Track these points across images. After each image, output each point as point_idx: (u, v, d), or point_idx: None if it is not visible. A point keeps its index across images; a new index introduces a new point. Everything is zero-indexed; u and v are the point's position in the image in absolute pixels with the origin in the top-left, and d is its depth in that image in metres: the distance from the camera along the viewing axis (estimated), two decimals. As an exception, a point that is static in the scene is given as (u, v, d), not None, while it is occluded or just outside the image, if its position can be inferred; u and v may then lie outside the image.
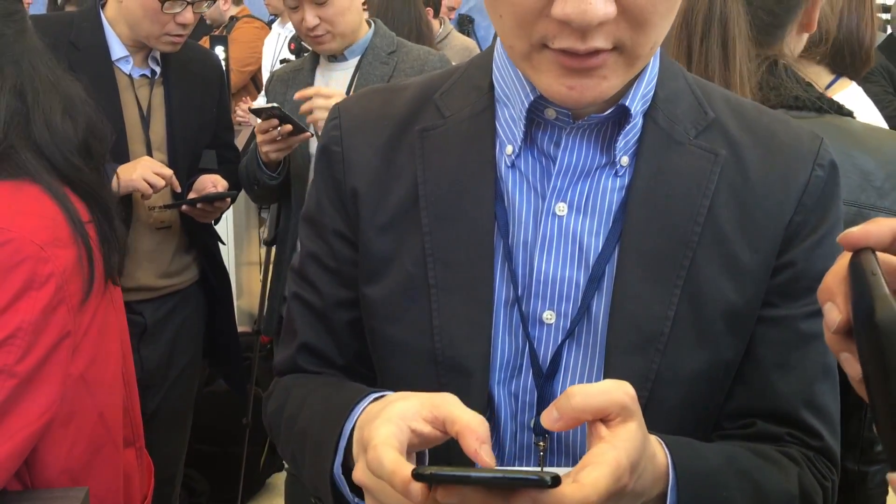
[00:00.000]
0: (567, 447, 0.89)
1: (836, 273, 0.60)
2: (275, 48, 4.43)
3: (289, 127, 2.04)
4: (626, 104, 0.85)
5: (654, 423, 0.85)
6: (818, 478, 0.89)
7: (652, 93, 0.88)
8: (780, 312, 0.89)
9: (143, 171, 1.99)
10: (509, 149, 0.89)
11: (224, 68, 4.37)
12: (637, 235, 0.86)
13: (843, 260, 0.60)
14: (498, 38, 0.91)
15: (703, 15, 1.27)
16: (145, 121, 2.17)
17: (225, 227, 3.49)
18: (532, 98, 0.86)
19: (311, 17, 2.14)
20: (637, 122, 0.87)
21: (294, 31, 3.52)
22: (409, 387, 0.89)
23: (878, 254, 0.58)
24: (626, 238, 0.86)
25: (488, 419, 0.89)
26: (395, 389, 0.92)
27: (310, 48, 2.81)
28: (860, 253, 0.58)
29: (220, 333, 2.46)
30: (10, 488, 1.21)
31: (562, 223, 0.88)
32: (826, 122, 1.30)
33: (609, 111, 0.85)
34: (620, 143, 0.87)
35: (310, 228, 0.99)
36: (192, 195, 2.21)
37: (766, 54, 1.32)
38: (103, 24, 2.11)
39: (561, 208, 0.88)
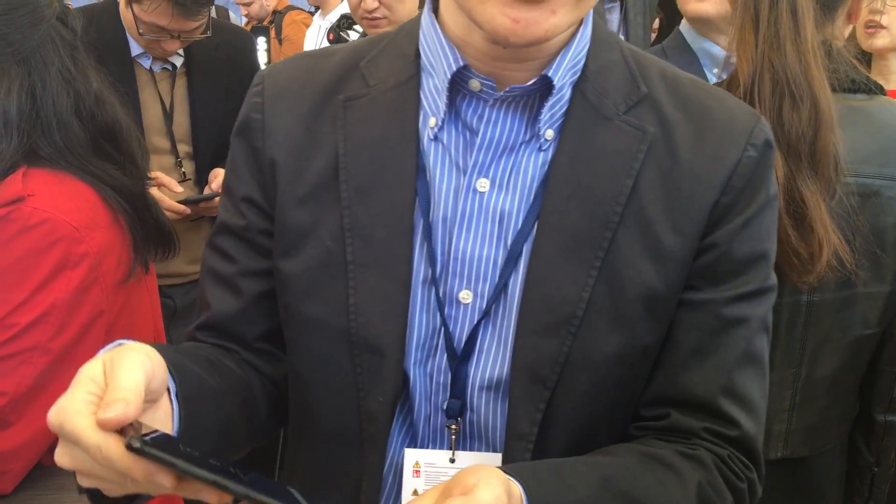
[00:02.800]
0: (479, 431, 0.87)
1: None
2: (315, 40, 4.47)
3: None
4: (549, 75, 0.81)
5: (564, 407, 0.83)
6: (731, 479, 0.85)
7: (582, 64, 0.85)
8: (702, 296, 0.85)
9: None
10: (432, 121, 0.86)
11: (267, 59, 4.43)
12: (556, 214, 0.83)
13: None
14: (427, 3, 0.88)
15: None
16: (167, 115, 2.16)
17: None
18: (455, 68, 0.82)
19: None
20: (565, 94, 0.84)
21: (332, 23, 3.55)
22: (323, 366, 0.88)
23: None
24: (545, 216, 0.83)
25: (404, 401, 0.87)
26: (309, 369, 0.90)
27: (348, 38, 2.83)
28: None
29: None
30: (45, 463, 1.24)
31: (482, 200, 0.85)
32: (880, 102, 1.35)
33: (532, 82, 0.82)
34: (545, 115, 0.83)
35: (226, 198, 0.95)
36: (206, 188, 2.21)
37: (826, 37, 1.33)
38: (122, 19, 2.09)
39: (482, 184, 0.85)
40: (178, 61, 2.21)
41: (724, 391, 0.85)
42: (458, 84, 0.84)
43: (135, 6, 1.99)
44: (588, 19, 0.85)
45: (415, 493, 0.86)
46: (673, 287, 0.84)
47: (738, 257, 0.85)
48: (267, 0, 5.76)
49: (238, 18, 6.15)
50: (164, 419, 0.72)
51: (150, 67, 2.16)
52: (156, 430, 0.66)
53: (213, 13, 5.66)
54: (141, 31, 2.02)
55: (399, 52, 0.89)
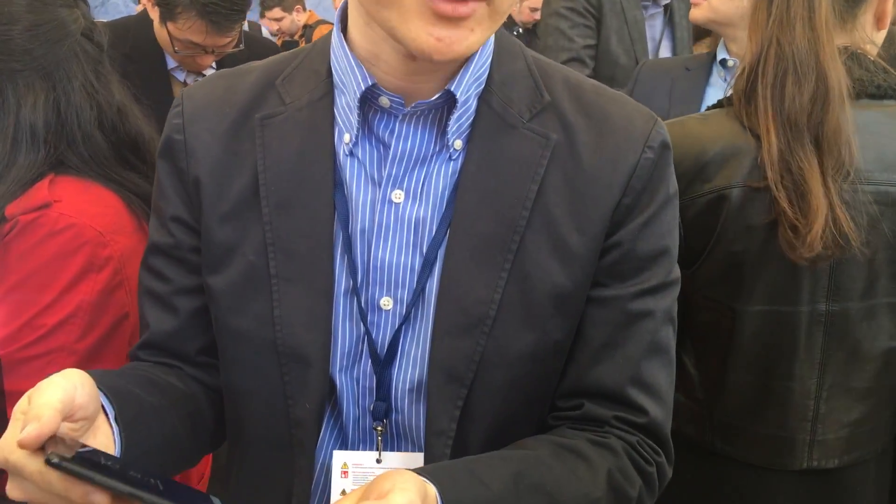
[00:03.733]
0: (405, 431, 0.90)
1: None
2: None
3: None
4: (452, 90, 0.85)
5: (481, 403, 0.87)
6: (640, 464, 0.89)
7: (486, 75, 0.88)
8: (609, 292, 0.90)
9: None
10: (347, 137, 0.89)
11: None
12: (467, 219, 0.86)
13: None
14: (335, 24, 0.91)
15: None
16: None
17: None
18: (364, 87, 0.85)
19: None
20: (471, 105, 0.87)
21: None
22: (252, 377, 0.92)
23: None
24: (456, 222, 0.87)
25: (332, 406, 0.91)
26: (239, 380, 0.93)
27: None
28: None
29: None
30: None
31: (398, 210, 0.88)
32: None
33: (436, 97, 0.85)
34: (452, 127, 0.87)
35: (155, 219, 0.99)
36: None
37: (844, 44, 1.32)
38: (156, 35, 2.17)
39: (398, 195, 0.88)
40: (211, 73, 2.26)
41: (632, 381, 0.90)
42: (368, 101, 0.87)
43: (169, 25, 2.05)
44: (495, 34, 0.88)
45: (343, 492, 0.90)
46: (580, 285, 0.88)
47: (641, 254, 0.90)
48: (297, 15, 5.84)
49: (267, 33, 6.25)
50: (105, 441, 0.76)
51: (185, 80, 2.23)
52: (91, 448, 0.69)
53: (246, 27, 5.75)
54: (176, 48, 2.09)
55: (312, 70, 0.92)
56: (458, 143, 0.88)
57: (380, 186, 0.89)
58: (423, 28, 0.74)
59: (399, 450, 0.92)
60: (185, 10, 2.03)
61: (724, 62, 2.00)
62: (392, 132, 0.88)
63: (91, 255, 1.21)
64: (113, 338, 1.25)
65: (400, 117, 0.87)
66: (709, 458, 1.44)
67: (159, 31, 2.13)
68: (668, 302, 0.93)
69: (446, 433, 0.87)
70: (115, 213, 1.27)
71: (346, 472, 0.91)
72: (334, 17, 0.93)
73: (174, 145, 0.95)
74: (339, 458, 0.91)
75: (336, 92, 0.90)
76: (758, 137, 1.27)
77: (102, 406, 0.78)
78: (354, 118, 0.88)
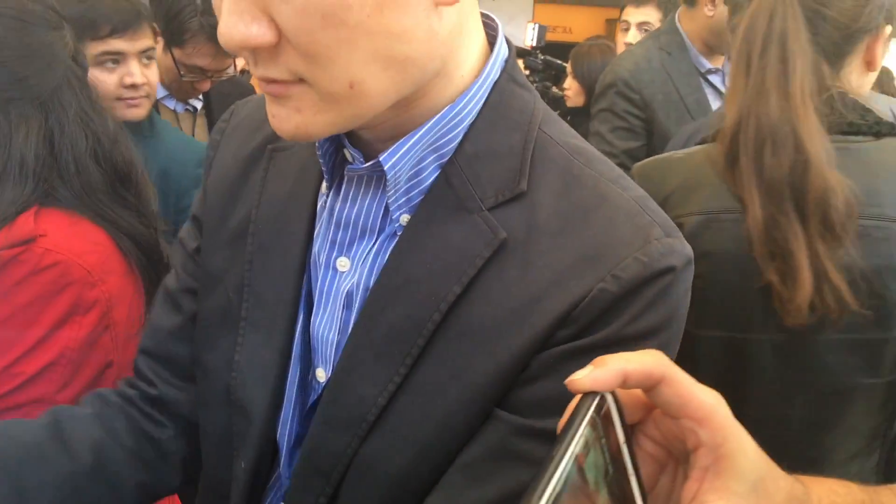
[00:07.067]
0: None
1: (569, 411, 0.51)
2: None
3: None
4: (381, 160, 0.72)
5: None
6: None
7: (454, 144, 0.74)
8: (499, 411, 0.71)
9: None
10: (324, 186, 0.81)
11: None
12: (378, 305, 0.74)
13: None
14: None
15: (763, 33, 1.27)
16: None
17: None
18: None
19: None
20: (427, 177, 0.74)
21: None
22: (210, 417, 0.87)
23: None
24: (368, 305, 0.74)
25: (275, 467, 0.84)
26: (202, 416, 0.89)
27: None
28: (590, 399, 0.50)
29: None
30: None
31: (339, 281, 0.78)
32: (885, 144, 1.30)
33: (365, 165, 0.74)
34: (396, 199, 0.75)
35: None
36: None
37: (828, 85, 1.31)
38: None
39: (342, 264, 0.78)
40: (198, 104, 2.34)
41: None
42: (339, 147, 0.79)
43: (175, 51, 2.09)
44: (470, 96, 0.74)
45: None
46: (473, 420, 0.71)
47: (549, 389, 0.69)
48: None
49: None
50: None
51: (175, 108, 2.27)
52: None
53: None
54: (182, 73, 2.13)
55: None
56: (405, 218, 0.75)
57: (326, 249, 0.80)
58: (266, 104, 0.69)
59: None
60: (195, 36, 2.05)
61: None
62: (347, 192, 0.78)
63: (77, 297, 1.10)
64: (95, 388, 1.13)
65: (352, 176, 0.77)
66: None
67: (162, 59, 2.13)
68: None
69: None
70: (104, 251, 1.16)
71: None
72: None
73: (207, 160, 0.94)
74: None
75: None
76: (739, 199, 1.27)
77: None
78: (327, 166, 0.79)
